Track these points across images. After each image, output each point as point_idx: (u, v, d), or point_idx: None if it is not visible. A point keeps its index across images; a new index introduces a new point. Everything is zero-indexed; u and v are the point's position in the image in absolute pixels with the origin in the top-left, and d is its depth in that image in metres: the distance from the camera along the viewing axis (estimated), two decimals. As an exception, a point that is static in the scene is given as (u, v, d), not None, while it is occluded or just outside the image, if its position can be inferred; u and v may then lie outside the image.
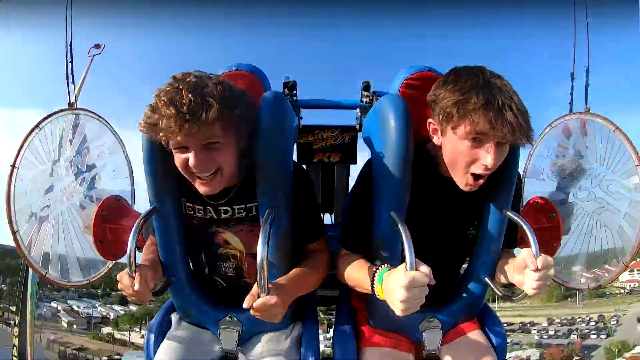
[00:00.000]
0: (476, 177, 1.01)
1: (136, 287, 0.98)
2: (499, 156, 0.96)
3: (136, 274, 0.99)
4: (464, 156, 0.98)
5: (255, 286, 0.94)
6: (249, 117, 1.03)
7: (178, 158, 0.99)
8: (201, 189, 1.02)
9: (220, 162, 0.99)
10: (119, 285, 1.01)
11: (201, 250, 1.21)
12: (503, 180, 1.10)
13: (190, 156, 0.96)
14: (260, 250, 0.89)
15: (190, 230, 1.18)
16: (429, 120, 1.05)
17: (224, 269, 1.21)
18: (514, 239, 1.24)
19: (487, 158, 0.95)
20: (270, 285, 0.93)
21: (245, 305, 0.93)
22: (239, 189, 1.12)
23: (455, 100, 0.94)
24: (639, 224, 1.59)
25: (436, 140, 1.05)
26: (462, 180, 1.03)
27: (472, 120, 0.92)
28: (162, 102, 0.90)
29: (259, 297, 0.92)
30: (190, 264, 1.24)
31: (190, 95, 0.90)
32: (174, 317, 1.27)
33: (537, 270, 0.93)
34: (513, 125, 0.90)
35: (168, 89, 0.92)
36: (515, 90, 0.94)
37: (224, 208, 1.14)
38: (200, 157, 0.96)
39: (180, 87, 0.91)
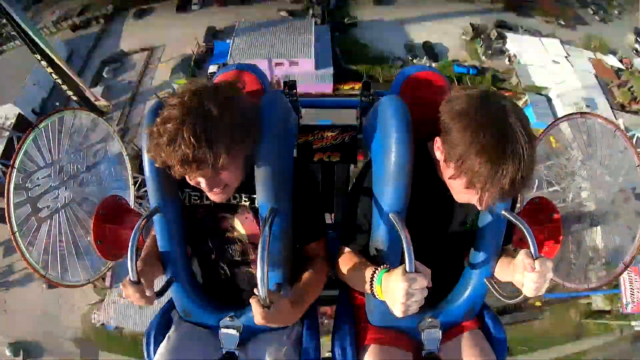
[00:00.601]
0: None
1: (148, 293, 1.02)
2: (492, 201, 0.96)
3: (141, 279, 1.01)
4: (459, 192, 1.00)
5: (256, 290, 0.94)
6: (255, 128, 1.03)
7: (188, 179, 1.01)
8: (212, 198, 1.06)
9: (228, 181, 1.02)
10: (124, 294, 1.03)
11: (207, 237, 1.21)
12: None
13: (201, 183, 0.99)
14: (260, 257, 0.89)
15: (196, 220, 1.18)
16: (437, 138, 1.03)
17: (231, 252, 1.20)
18: (508, 235, 1.23)
19: (479, 205, 0.97)
20: (272, 297, 0.93)
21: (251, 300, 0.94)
22: (245, 180, 1.12)
23: (462, 152, 0.91)
24: (639, 225, 1.59)
25: (439, 155, 1.03)
26: (456, 197, 1.05)
27: (470, 180, 0.92)
28: (165, 141, 0.89)
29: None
30: (195, 262, 1.24)
31: (193, 140, 0.88)
32: (174, 316, 1.27)
33: (535, 271, 0.92)
34: (508, 192, 0.89)
35: (169, 126, 0.89)
36: (531, 140, 0.89)
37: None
38: (211, 184, 0.99)
39: (182, 127, 0.88)
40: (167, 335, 1.23)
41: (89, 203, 1.71)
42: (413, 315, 0.92)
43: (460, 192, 0.99)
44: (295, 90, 1.65)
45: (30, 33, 10.94)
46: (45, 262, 1.59)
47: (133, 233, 1.00)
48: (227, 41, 15.27)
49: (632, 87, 16.73)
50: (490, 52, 17.93)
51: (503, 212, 1.10)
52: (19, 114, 14.45)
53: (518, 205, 1.44)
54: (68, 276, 1.68)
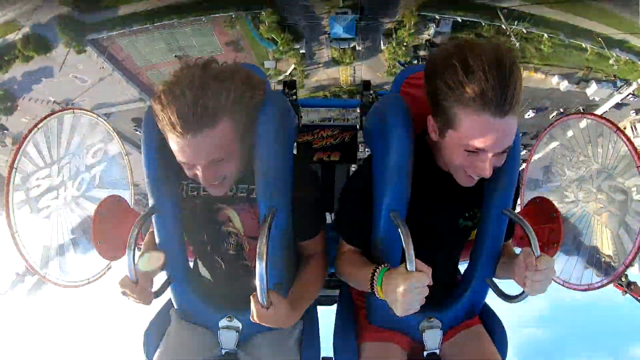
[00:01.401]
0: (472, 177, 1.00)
1: (146, 292, 1.02)
2: (496, 163, 0.95)
3: (140, 278, 1.01)
4: (460, 164, 0.98)
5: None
6: (253, 113, 1.02)
7: (186, 170, 1.00)
8: (210, 191, 1.05)
9: (227, 172, 1.01)
10: (121, 291, 1.02)
11: (203, 229, 1.21)
12: (503, 179, 1.10)
13: (198, 172, 0.98)
14: (259, 259, 0.88)
15: (194, 212, 1.18)
16: (428, 116, 1.03)
17: (226, 245, 1.20)
18: (510, 231, 1.23)
19: (483, 169, 0.94)
20: (273, 299, 0.93)
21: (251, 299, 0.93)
22: (242, 171, 1.11)
23: (455, 100, 0.87)
24: (639, 225, 1.59)
25: (434, 136, 1.03)
26: (460, 180, 1.03)
27: (469, 131, 0.89)
28: (167, 98, 0.90)
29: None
30: (194, 261, 1.24)
31: (194, 93, 0.89)
32: (173, 316, 1.26)
33: (537, 270, 0.92)
34: (502, 99, 0.83)
35: (172, 88, 0.90)
36: (519, 68, 0.85)
37: None
38: (208, 173, 0.98)
39: (184, 89, 0.89)
40: (165, 335, 1.23)
41: (89, 203, 1.70)
42: (414, 314, 0.91)
43: (465, 162, 0.95)
44: (295, 90, 1.65)
45: None
46: (45, 262, 1.59)
47: (131, 232, 1.00)
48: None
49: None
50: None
51: (504, 211, 1.10)
52: None
53: (519, 204, 1.44)
54: (68, 276, 1.68)
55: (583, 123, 1.74)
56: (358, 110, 1.68)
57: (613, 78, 13.62)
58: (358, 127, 1.68)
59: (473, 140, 0.89)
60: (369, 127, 1.20)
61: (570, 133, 1.78)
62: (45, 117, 1.63)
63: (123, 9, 12.21)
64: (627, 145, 1.63)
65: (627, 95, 13.78)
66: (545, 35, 12.97)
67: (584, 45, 13.07)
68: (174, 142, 0.94)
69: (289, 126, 1.10)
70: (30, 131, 1.58)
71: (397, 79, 1.29)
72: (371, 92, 1.61)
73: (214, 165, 0.98)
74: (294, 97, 1.67)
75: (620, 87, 13.80)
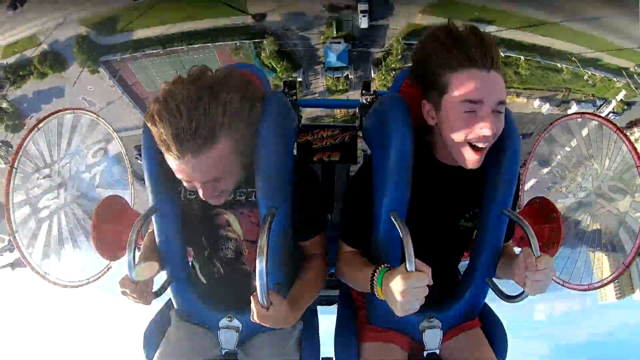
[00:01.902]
0: (476, 149, 0.98)
1: (146, 292, 1.01)
2: (496, 124, 0.94)
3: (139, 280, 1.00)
4: (461, 128, 0.96)
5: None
6: (253, 120, 1.00)
7: (184, 183, 0.99)
8: (210, 202, 1.04)
9: (225, 187, 1.00)
10: (121, 291, 1.01)
11: (202, 233, 1.20)
12: (503, 179, 1.10)
13: (198, 189, 0.97)
14: (259, 259, 0.88)
15: (192, 216, 1.17)
16: (423, 101, 1.03)
17: (224, 249, 1.19)
18: (510, 232, 1.23)
19: (484, 126, 0.93)
20: (271, 298, 0.92)
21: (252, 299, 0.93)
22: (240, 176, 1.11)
23: (444, 67, 0.95)
24: (639, 225, 1.59)
25: (431, 120, 1.03)
26: (463, 155, 1.00)
27: (462, 87, 0.94)
28: (162, 112, 0.86)
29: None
30: (192, 253, 1.24)
31: (189, 111, 0.85)
32: (173, 316, 1.26)
33: (537, 270, 0.92)
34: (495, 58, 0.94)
35: (167, 101, 0.86)
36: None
37: None
38: (207, 190, 0.98)
39: (177, 109, 0.85)
40: (165, 335, 1.22)
41: (89, 203, 1.71)
42: (414, 315, 0.91)
43: (465, 126, 0.96)
44: (295, 90, 1.65)
45: None
46: (45, 262, 1.59)
47: (132, 232, 1.00)
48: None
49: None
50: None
51: (504, 211, 1.09)
52: None
53: (519, 204, 1.44)
54: (68, 276, 1.68)
55: (583, 123, 1.74)
56: (358, 111, 1.68)
57: (592, 97, 13.90)
58: (358, 127, 1.68)
59: (468, 94, 0.93)
60: (369, 127, 1.20)
61: (570, 133, 1.78)
62: (45, 117, 1.64)
63: (138, 33, 12.67)
64: (627, 145, 1.64)
65: (608, 114, 14.00)
66: (522, 57, 13.30)
67: (559, 65, 13.34)
68: (171, 161, 0.92)
69: (289, 126, 1.10)
70: (30, 131, 1.58)
71: (397, 79, 1.29)
72: (371, 92, 1.61)
73: (213, 182, 0.97)
74: (294, 97, 1.67)
75: (600, 105, 14.07)
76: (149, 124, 0.90)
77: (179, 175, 0.96)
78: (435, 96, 0.98)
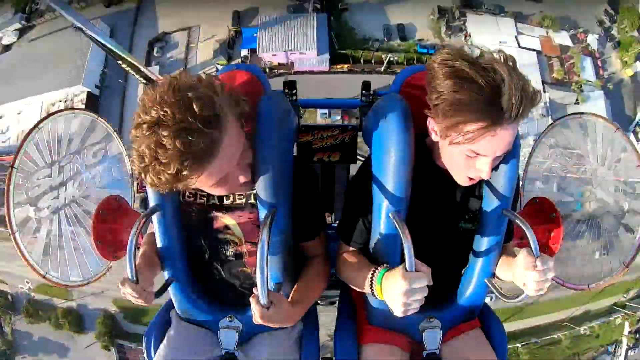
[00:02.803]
0: (472, 178, 1.02)
1: (146, 292, 1.00)
2: (495, 164, 0.97)
3: (141, 278, 0.99)
4: (459, 165, 1.00)
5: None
6: (243, 116, 1.00)
7: (217, 188, 1.00)
8: (213, 192, 1.04)
9: (228, 186, 1.00)
10: (122, 292, 1.01)
11: (200, 236, 1.20)
12: (503, 179, 1.10)
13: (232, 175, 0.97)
14: (260, 258, 0.88)
15: (190, 218, 1.17)
16: (429, 118, 1.03)
17: (225, 252, 1.19)
18: (510, 232, 1.23)
19: (482, 171, 0.96)
20: (272, 297, 0.92)
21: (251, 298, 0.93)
22: None
23: (449, 94, 0.88)
24: (639, 225, 1.59)
25: (434, 137, 1.04)
26: (459, 180, 1.05)
27: (471, 142, 0.91)
28: (149, 157, 0.83)
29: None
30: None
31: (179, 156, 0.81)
32: (173, 316, 1.27)
33: (537, 270, 0.92)
34: (512, 111, 0.84)
35: (149, 139, 0.81)
36: (514, 64, 0.86)
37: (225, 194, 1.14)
38: (209, 189, 0.99)
39: (165, 142, 0.80)
40: (166, 336, 1.23)
41: (89, 203, 1.70)
42: (414, 315, 0.91)
43: (464, 164, 0.97)
44: (295, 90, 1.65)
45: (102, 40, 11.90)
46: (45, 262, 1.59)
47: (132, 232, 1.00)
48: (251, 26, 19.31)
49: (572, 62, 17.64)
50: (450, 31, 18.88)
51: (504, 211, 1.10)
52: (88, 91, 17.40)
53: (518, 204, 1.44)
54: (68, 276, 1.68)
55: (583, 123, 1.74)
56: (358, 111, 1.68)
57: (603, 348, 14.20)
58: (358, 127, 1.68)
59: (475, 146, 0.92)
60: (369, 127, 1.20)
61: (570, 133, 1.78)
62: (45, 117, 1.64)
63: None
64: (627, 145, 1.64)
65: (626, 353, 14.15)
66: (519, 345, 13.65)
67: (556, 336, 13.96)
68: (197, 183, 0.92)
69: (289, 126, 1.10)
70: (30, 131, 1.58)
71: (397, 79, 1.29)
72: (371, 92, 1.61)
73: (215, 184, 0.96)
74: (294, 97, 1.67)
75: (615, 350, 14.24)
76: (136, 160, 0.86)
77: (213, 190, 0.97)
78: (442, 126, 0.94)
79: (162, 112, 0.81)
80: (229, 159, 0.92)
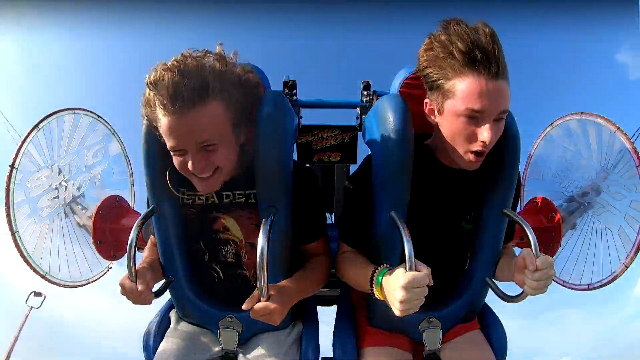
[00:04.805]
0: (477, 153, 0.99)
1: (140, 287, 0.98)
2: (496, 132, 0.95)
3: (138, 278, 0.99)
4: (461, 134, 0.98)
5: (256, 289, 0.94)
6: (248, 108, 1.01)
7: (177, 160, 0.98)
8: (199, 187, 1.02)
9: (219, 162, 0.98)
10: (121, 291, 1.01)
11: (200, 237, 1.19)
12: (503, 179, 1.10)
13: (189, 159, 0.95)
14: (259, 254, 0.89)
15: (189, 220, 1.17)
16: (425, 100, 1.04)
17: (224, 253, 1.19)
18: (510, 233, 1.23)
19: (484, 135, 0.94)
20: (271, 292, 0.94)
21: (244, 307, 0.94)
22: (239, 176, 1.11)
23: (443, 59, 0.94)
24: (639, 224, 1.59)
25: (433, 119, 1.03)
26: (463, 158, 1.02)
27: (466, 99, 0.92)
28: (156, 79, 0.89)
29: (259, 300, 0.94)
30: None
31: (183, 72, 0.89)
32: (173, 317, 1.26)
33: (537, 270, 0.92)
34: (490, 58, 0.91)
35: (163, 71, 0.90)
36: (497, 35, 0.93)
37: (225, 193, 1.14)
38: (199, 159, 0.95)
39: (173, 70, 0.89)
40: (166, 336, 1.22)
41: (89, 203, 1.71)
42: (413, 315, 0.91)
43: (465, 132, 0.97)
44: (295, 90, 1.64)
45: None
46: (45, 262, 1.59)
47: (131, 232, 1.00)
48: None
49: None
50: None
51: (504, 211, 1.09)
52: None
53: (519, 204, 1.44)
54: (68, 276, 1.68)
55: (583, 123, 1.74)
56: (358, 110, 1.68)
57: None
58: (358, 127, 1.68)
59: (471, 103, 0.92)
60: (369, 127, 1.20)
61: (570, 133, 1.78)
62: (45, 117, 1.64)
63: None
64: (627, 145, 1.63)
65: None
66: None
67: None
68: (165, 126, 0.92)
69: (289, 126, 1.10)
70: (30, 131, 1.58)
71: (397, 78, 1.29)
72: (371, 92, 1.61)
73: (206, 152, 0.96)
74: (294, 97, 1.67)
75: None
76: (149, 90, 0.92)
77: (171, 143, 0.94)
78: (439, 98, 0.98)
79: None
80: (191, 127, 0.92)
